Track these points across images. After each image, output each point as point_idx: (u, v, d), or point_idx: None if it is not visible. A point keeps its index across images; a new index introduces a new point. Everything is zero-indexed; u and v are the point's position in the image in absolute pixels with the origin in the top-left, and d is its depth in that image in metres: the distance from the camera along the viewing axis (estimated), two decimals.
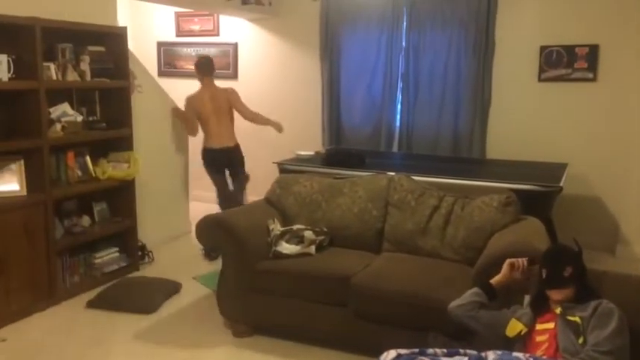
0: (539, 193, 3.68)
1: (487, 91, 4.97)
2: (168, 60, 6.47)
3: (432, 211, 3.35)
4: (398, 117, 5.33)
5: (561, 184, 3.77)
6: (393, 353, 2.00)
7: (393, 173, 3.71)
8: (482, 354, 1.99)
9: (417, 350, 2.00)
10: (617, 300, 2.13)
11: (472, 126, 5.00)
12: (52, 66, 3.76)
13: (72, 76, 3.90)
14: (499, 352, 1.99)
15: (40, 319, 3.50)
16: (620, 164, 4.66)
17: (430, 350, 2.02)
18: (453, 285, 2.82)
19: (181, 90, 6.07)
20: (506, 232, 3.04)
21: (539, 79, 4.86)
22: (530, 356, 1.93)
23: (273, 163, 4.62)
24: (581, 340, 2.04)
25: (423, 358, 1.97)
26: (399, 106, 5.31)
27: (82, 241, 3.95)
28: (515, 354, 2.01)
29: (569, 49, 4.73)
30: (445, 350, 2.07)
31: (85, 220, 4.04)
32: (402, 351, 2.00)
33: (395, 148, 5.34)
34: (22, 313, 3.48)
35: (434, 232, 3.30)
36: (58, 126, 3.81)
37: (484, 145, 5.01)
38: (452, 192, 3.44)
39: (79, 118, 3.99)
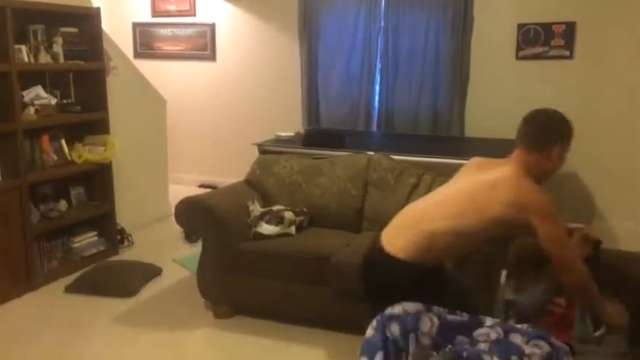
0: None
1: (465, 70, 4.98)
2: (145, 41, 6.36)
3: (411, 190, 3.37)
4: (377, 96, 5.32)
5: None
6: (398, 309, 1.91)
7: (372, 153, 3.71)
8: (480, 317, 1.95)
9: (422, 307, 1.91)
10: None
11: (451, 104, 5.02)
12: (24, 48, 3.68)
13: (45, 58, 3.82)
14: (497, 320, 1.94)
15: (18, 305, 3.46)
16: (595, 140, 4.72)
17: (434, 308, 1.93)
18: None
19: (159, 72, 6.00)
20: None
21: (517, 57, 4.88)
22: (528, 327, 1.91)
23: (253, 144, 4.59)
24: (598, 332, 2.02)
25: (430, 314, 1.90)
26: (377, 86, 5.30)
27: (59, 226, 3.90)
28: (512, 324, 1.97)
29: (546, 27, 4.75)
30: (446, 309, 1.98)
31: (62, 205, 3.99)
32: (408, 307, 1.91)
33: (374, 128, 5.35)
34: None
35: None
36: (32, 109, 3.73)
37: (463, 123, 5.04)
38: (431, 170, 3.46)
39: (53, 101, 3.92)
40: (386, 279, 2.19)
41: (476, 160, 2.38)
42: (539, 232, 1.99)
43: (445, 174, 3.39)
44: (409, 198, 3.35)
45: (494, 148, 4.26)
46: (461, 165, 3.57)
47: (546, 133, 2.18)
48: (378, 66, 5.26)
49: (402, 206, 3.32)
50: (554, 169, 2.19)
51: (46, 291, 3.66)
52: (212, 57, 6.07)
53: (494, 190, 2.03)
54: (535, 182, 2.07)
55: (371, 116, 5.35)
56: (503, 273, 2.61)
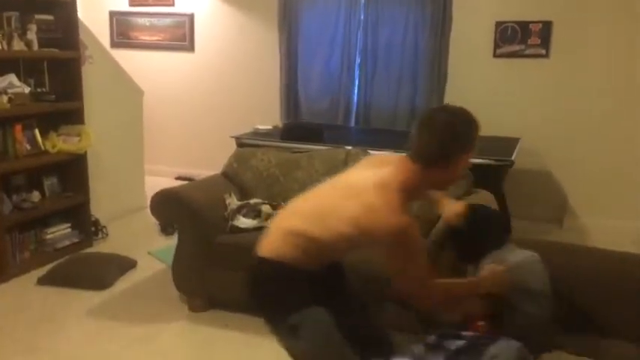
0: (492, 167, 3.77)
1: (444, 66, 5.02)
2: (122, 30, 6.27)
3: None
4: (356, 91, 5.33)
5: (513, 159, 3.86)
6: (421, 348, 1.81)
7: (350, 147, 3.72)
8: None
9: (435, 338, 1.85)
10: (563, 269, 2.22)
11: (429, 100, 5.05)
12: None
13: (18, 45, 3.75)
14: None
15: None
16: (569, 139, 4.81)
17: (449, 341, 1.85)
18: None
19: (136, 62, 5.93)
20: None
21: (494, 55, 4.93)
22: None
23: (231, 137, 4.57)
24: None
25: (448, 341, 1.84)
26: (357, 81, 5.31)
27: (32, 217, 3.84)
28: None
29: (524, 25, 4.81)
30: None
31: (35, 196, 3.93)
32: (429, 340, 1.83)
33: (352, 123, 5.36)
34: None
35: None
36: (5, 98, 3.66)
37: None
38: None
39: (27, 90, 3.85)
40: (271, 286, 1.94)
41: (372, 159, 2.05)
42: (387, 260, 1.78)
43: None
44: None
45: None
46: None
47: (449, 144, 1.74)
48: (357, 60, 5.27)
49: None
50: (452, 179, 1.88)
51: (18, 283, 3.60)
52: (190, 48, 6.01)
53: (352, 199, 1.77)
54: (419, 194, 1.86)
55: (350, 111, 5.36)
56: None
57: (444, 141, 1.73)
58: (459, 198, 3.16)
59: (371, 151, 3.65)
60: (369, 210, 1.71)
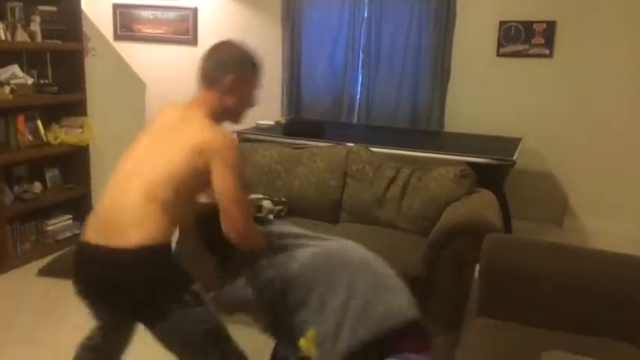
0: (493, 166, 3.78)
1: (446, 65, 5.01)
2: (125, 23, 6.26)
3: (389, 183, 3.39)
4: (359, 88, 5.33)
5: (514, 158, 3.87)
6: None
7: (352, 144, 3.73)
8: None
9: None
10: (561, 270, 2.23)
11: (431, 99, 5.05)
12: (0, 26, 3.60)
13: (21, 36, 3.75)
14: None
15: None
16: (571, 140, 4.81)
17: None
18: (407, 254, 2.89)
19: (139, 55, 5.92)
20: (460, 204, 3.11)
21: (498, 54, 4.93)
22: None
23: (233, 132, 4.57)
24: None
25: None
26: (360, 78, 5.31)
27: (33, 208, 3.85)
28: None
29: (527, 25, 4.80)
30: None
31: (37, 187, 3.93)
32: None
33: (355, 120, 5.36)
34: None
35: (390, 203, 3.35)
36: (7, 88, 3.67)
37: (442, 117, 5.08)
38: (409, 164, 3.49)
39: (30, 81, 3.85)
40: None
41: (164, 113, 2.03)
42: (216, 179, 1.80)
43: (422, 168, 3.44)
44: (387, 190, 3.38)
45: (473, 143, 4.33)
46: (439, 159, 3.64)
47: (224, 64, 1.94)
48: (361, 57, 5.26)
49: (380, 198, 3.37)
50: (240, 107, 2.01)
51: (19, 273, 3.61)
52: (194, 42, 6.00)
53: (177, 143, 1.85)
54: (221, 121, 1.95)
55: (352, 107, 5.36)
56: (477, 268, 2.65)
57: (225, 63, 1.95)
58: (460, 197, 3.18)
59: (372, 148, 3.66)
60: (200, 132, 1.84)
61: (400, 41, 5.09)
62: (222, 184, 1.81)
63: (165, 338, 1.89)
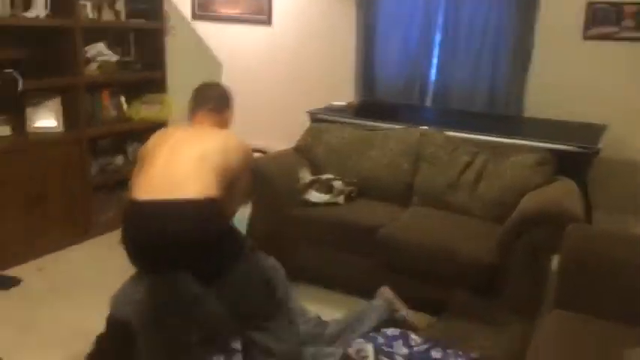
0: (576, 154, 3.60)
1: (528, 46, 4.80)
2: (202, 3, 6.39)
3: (463, 167, 3.32)
4: (433, 70, 5.20)
5: (599, 146, 3.67)
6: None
7: (426, 127, 3.66)
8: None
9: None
10: None
11: (510, 82, 4.86)
12: (88, 4, 3.76)
13: (107, 15, 3.90)
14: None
15: (76, 251, 3.62)
16: None
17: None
18: (480, 242, 2.83)
19: (215, 35, 6.04)
20: (539, 192, 3.00)
21: (584, 37, 4.66)
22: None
23: (306, 112, 4.60)
24: None
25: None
26: (435, 59, 5.18)
27: (115, 180, 4.04)
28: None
29: (618, 7, 4.51)
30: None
31: (119, 159, 4.12)
32: None
33: (429, 102, 5.25)
34: (58, 245, 3.61)
35: (464, 188, 3.27)
36: (94, 65, 3.84)
37: (522, 102, 4.88)
38: (486, 149, 3.39)
39: (114, 58, 4.02)
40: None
41: (167, 135, 2.24)
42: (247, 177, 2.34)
43: (500, 153, 3.33)
44: (461, 176, 3.30)
45: (554, 129, 4.14)
46: (517, 145, 3.51)
47: (226, 99, 2.49)
48: (437, 38, 5.12)
49: (454, 183, 3.31)
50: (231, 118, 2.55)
51: (102, 240, 3.81)
52: (268, 21, 6.05)
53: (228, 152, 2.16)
54: None
55: (426, 90, 5.24)
56: (555, 258, 2.56)
57: (224, 97, 2.48)
58: (539, 185, 3.07)
59: (447, 132, 3.58)
60: (220, 134, 2.27)
61: (479, 21, 4.91)
62: (245, 178, 2.28)
63: (227, 291, 2.00)
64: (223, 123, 2.45)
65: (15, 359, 2.50)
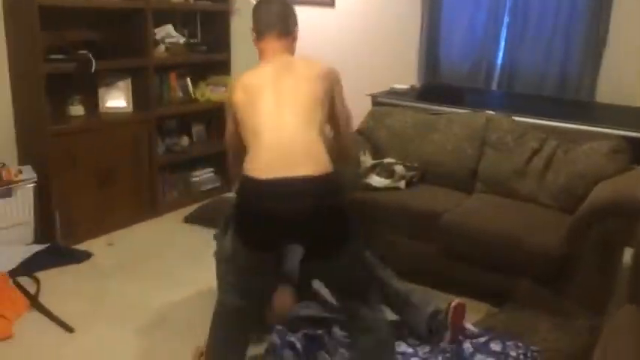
0: None
1: (603, 30, 4.55)
2: None
3: (531, 154, 3.21)
4: (501, 53, 5.03)
5: None
6: None
7: (492, 112, 3.55)
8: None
9: None
10: None
11: (583, 66, 4.64)
12: None
13: None
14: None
15: (143, 228, 3.76)
16: None
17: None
18: (548, 231, 2.74)
19: None
20: (612, 181, 2.85)
21: None
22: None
23: (367, 95, 4.56)
24: None
25: None
26: (502, 42, 5.01)
27: (181, 160, 4.15)
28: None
29: None
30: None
31: (184, 140, 4.22)
32: None
33: (495, 86, 5.09)
34: (126, 222, 3.75)
35: (532, 175, 3.17)
36: (162, 47, 3.93)
37: (594, 87, 4.66)
38: (555, 135, 3.26)
39: (182, 40, 4.09)
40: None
41: (255, 89, 2.03)
42: (340, 97, 2.19)
43: (571, 140, 3.19)
44: (529, 162, 3.20)
45: (629, 116, 3.93)
46: (589, 132, 3.35)
47: (292, 14, 2.23)
48: (505, 20, 4.95)
49: (520, 170, 3.20)
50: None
51: (167, 219, 3.94)
52: (331, 3, 6.01)
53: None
54: None
55: (493, 73, 5.08)
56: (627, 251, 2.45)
57: (291, 14, 2.22)
58: (612, 174, 2.93)
59: (514, 117, 3.47)
60: (312, 64, 2.12)
61: (552, 2, 4.71)
62: (343, 103, 2.21)
63: (338, 272, 1.97)
64: (293, 43, 2.25)
65: (86, 330, 2.63)
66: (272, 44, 2.15)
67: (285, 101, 1.98)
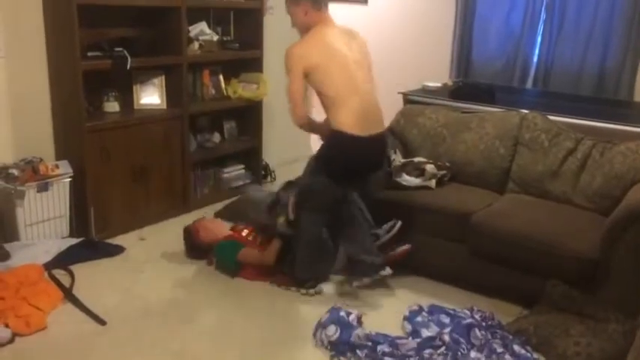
0: None
1: None
2: None
3: (566, 154, 3.14)
4: (536, 50, 4.94)
5: None
6: None
7: (526, 111, 3.49)
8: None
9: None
10: None
11: (622, 64, 4.53)
12: None
13: None
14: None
15: (174, 223, 3.81)
16: None
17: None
18: (582, 234, 2.68)
19: None
20: None
21: None
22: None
23: (399, 93, 4.53)
24: None
25: None
26: (539, 39, 4.92)
27: (212, 156, 4.19)
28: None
29: None
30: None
31: (216, 137, 4.26)
32: None
33: (529, 84, 5.01)
34: (159, 217, 3.81)
35: (566, 176, 3.10)
36: (196, 44, 3.97)
37: (633, 85, 4.54)
38: (591, 135, 3.19)
39: (215, 38, 4.13)
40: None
41: (331, 33, 2.84)
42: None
43: (607, 141, 3.12)
44: (563, 163, 3.14)
45: None
46: (627, 132, 3.27)
47: None
48: (542, 17, 4.86)
49: (555, 170, 3.14)
50: None
51: (198, 214, 3.97)
52: (365, 0, 5.98)
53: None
54: None
55: (527, 72, 5.01)
56: None
57: None
58: None
59: (550, 117, 3.40)
60: (357, 35, 2.98)
61: (590, 2, 4.59)
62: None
63: (369, 196, 3.04)
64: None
65: (118, 323, 2.69)
66: (327, 14, 2.86)
67: (359, 64, 2.81)
